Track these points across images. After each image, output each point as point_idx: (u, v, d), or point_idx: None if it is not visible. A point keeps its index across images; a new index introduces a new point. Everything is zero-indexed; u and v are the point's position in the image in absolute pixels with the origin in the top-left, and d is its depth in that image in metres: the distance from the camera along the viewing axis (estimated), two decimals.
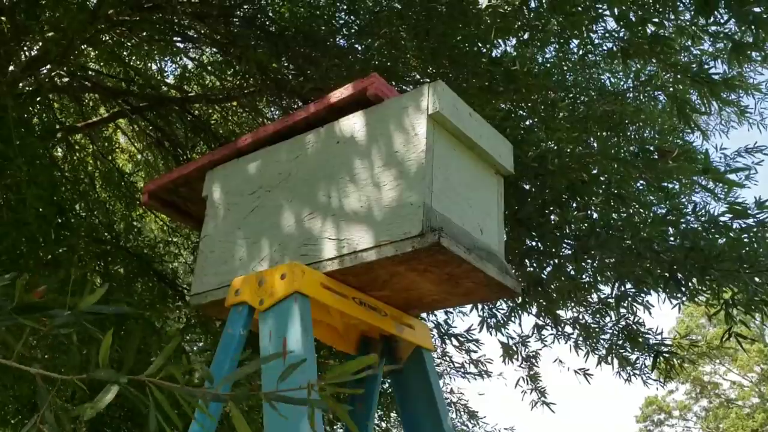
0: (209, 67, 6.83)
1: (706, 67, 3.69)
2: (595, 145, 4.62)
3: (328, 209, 1.74)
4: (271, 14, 5.58)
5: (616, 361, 5.46)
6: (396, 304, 1.85)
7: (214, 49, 6.44)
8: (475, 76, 4.40)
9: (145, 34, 5.24)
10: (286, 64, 5.54)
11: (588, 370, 5.40)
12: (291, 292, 1.60)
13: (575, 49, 5.11)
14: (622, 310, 3.71)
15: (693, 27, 3.74)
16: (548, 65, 4.85)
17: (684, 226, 3.10)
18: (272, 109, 7.36)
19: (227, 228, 1.96)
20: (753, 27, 3.05)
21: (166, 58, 6.78)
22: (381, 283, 1.72)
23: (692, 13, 3.31)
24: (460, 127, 1.72)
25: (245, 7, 5.57)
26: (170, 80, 7.51)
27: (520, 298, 4.56)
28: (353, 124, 1.80)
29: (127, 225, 6.75)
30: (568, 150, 3.83)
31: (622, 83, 5.94)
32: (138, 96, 6.13)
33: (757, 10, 3.05)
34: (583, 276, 4.10)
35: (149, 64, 6.77)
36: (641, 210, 3.41)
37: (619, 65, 5.37)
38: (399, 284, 1.72)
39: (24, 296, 1.14)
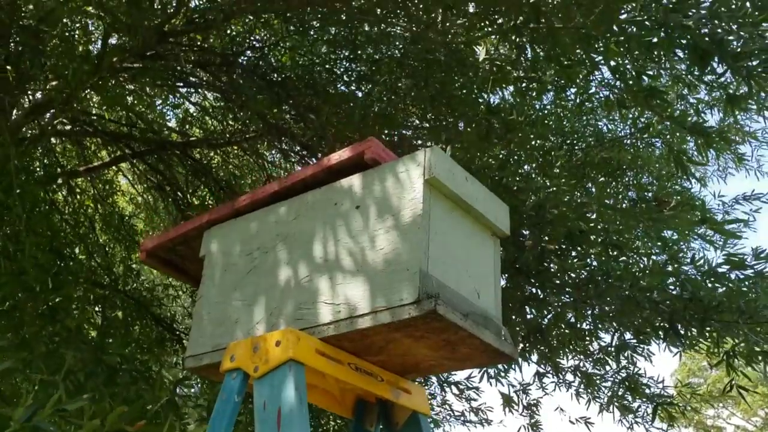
0: (211, 111, 6.89)
1: (701, 117, 3.73)
2: (594, 191, 4.64)
3: (324, 272, 1.74)
4: (272, 62, 5.64)
5: (617, 410, 5.41)
6: (392, 369, 1.84)
7: (216, 95, 6.52)
8: (473, 124, 4.44)
9: (147, 80, 5.29)
10: (287, 110, 5.59)
11: (589, 418, 5.34)
12: (286, 359, 1.59)
13: (572, 97, 5.16)
14: (623, 360, 3.68)
15: (689, 76, 3.78)
16: (545, 113, 4.89)
17: (683, 276, 3.10)
18: (273, 153, 7.40)
19: (224, 289, 1.95)
20: (747, 80, 3.09)
21: (168, 104, 6.85)
22: (377, 348, 1.71)
23: (688, 65, 3.35)
24: (456, 191, 1.72)
25: (247, 55, 5.64)
26: (172, 124, 7.57)
27: (521, 346, 4.53)
28: (350, 186, 1.80)
29: (126, 268, 6.74)
30: (566, 198, 3.84)
31: (619, 130, 6.00)
32: (139, 140, 6.18)
33: (751, 64, 3.10)
34: (583, 324, 4.09)
35: (151, 109, 6.84)
36: (640, 259, 3.41)
37: (615, 113, 5.42)
38: (395, 350, 1.71)
39: (117, 425, 1.22)
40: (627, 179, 5.63)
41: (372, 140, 1.81)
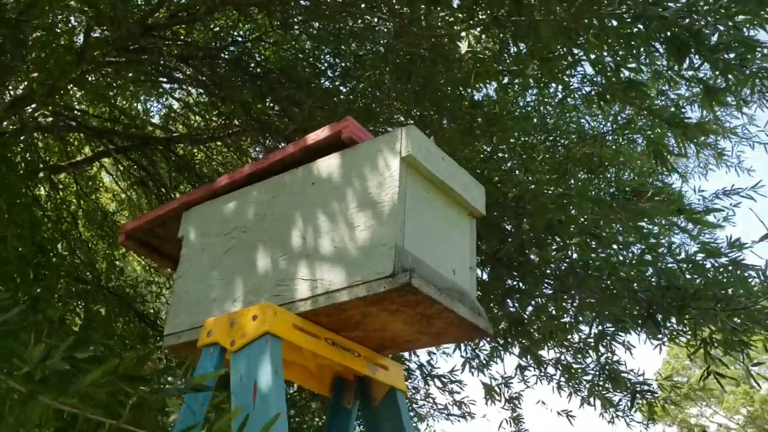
0: (194, 108, 6.88)
1: (681, 111, 3.77)
2: (574, 186, 4.68)
3: (302, 250, 1.76)
4: (256, 57, 5.65)
5: (598, 403, 5.45)
6: (369, 345, 1.86)
7: (200, 90, 6.50)
8: (457, 119, 4.46)
9: (131, 75, 5.28)
10: (270, 105, 5.59)
11: (571, 411, 5.38)
12: (262, 333, 1.61)
13: (554, 93, 5.20)
14: (602, 350, 3.71)
15: (669, 72, 3.83)
16: (528, 108, 4.93)
17: (661, 265, 3.14)
18: (256, 148, 7.40)
19: (202, 269, 1.96)
20: (724, 73, 3.13)
21: (151, 99, 6.83)
22: (354, 323, 1.73)
23: (666, 58, 3.39)
24: (433, 171, 1.74)
25: (231, 49, 5.64)
26: (156, 120, 7.56)
27: (502, 339, 4.56)
28: (328, 165, 1.82)
29: (110, 264, 6.72)
30: (548, 191, 3.88)
31: (601, 126, 6.05)
32: (123, 136, 6.16)
33: (728, 56, 3.14)
34: (564, 316, 4.12)
35: (135, 104, 6.82)
36: (619, 250, 3.45)
37: (597, 109, 5.47)
38: (372, 325, 1.73)
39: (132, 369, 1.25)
40: (609, 175, 5.69)
41: (349, 120, 1.83)
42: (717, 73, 3.24)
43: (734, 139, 5.75)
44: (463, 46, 3.97)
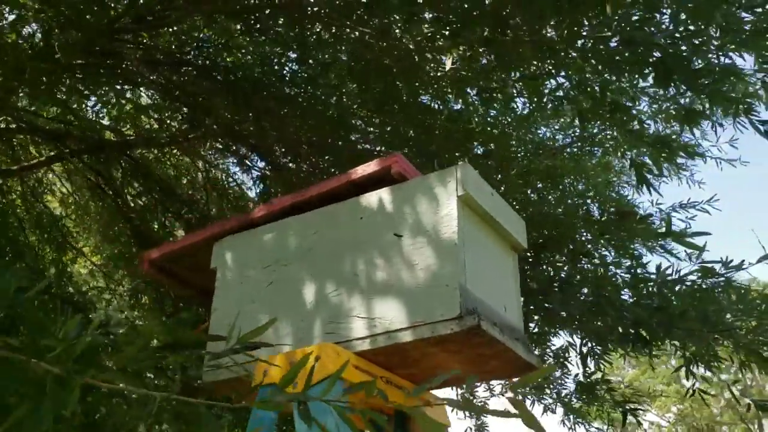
0: (150, 112, 6.69)
1: (658, 129, 3.91)
2: (534, 197, 4.82)
3: (355, 286, 1.75)
4: (221, 64, 5.54)
5: (560, 410, 5.58)
6: (417, 381, 1.86)
7: (151, 91, 6.33)
8: (433, 131, 4.50)
9: (91, 77, 5.10)
10: (241, 112, 5.49)
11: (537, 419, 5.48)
12: (327, 375, 1.59)
13: (520, 107, 5.29)
14: (591, 366, 3.80)
15: (652, 91, 3.97)
16: (499, 121, 5.00)
17: (650, 284, 3.24)
18: (212, 152, 7.26)
19: (241, 302, 1.92)
20: (709, 98, 3.26)
21: (105, 101, 6.60)
22: (410, 362, 1.73)
23: (653, 81, 3.48)
24: (486, 207, 1.76)
25: (196, 54, 5.51)
26: (106, 122, 7.31)
27: None
28: (378, 200, 1.81)
29: (59, 271, 6.49)
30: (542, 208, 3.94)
31: (561, 139, 6.20)
32: (76, 139, 5.94)
33: (706, 82, 3.26)
34: (542, 328, 4.20)
35: (89, 107, 6.57)
36: (607, 268, 3.54)
37: (565, 121, 5.60)
38: (427, 363, 1.74)
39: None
40: (567, 186, 5.83)
41: (398, 155, 1.83)
42: (702, 97, 3.36)
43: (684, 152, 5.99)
44: (447, 63, 4.00)
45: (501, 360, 1.71)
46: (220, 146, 6.88)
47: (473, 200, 1.72)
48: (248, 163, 6.67)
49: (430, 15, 4.13)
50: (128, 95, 6.69)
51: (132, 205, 6.79)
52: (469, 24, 3.80)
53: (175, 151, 7.12)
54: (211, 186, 6.97)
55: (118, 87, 6.07)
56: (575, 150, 5.99)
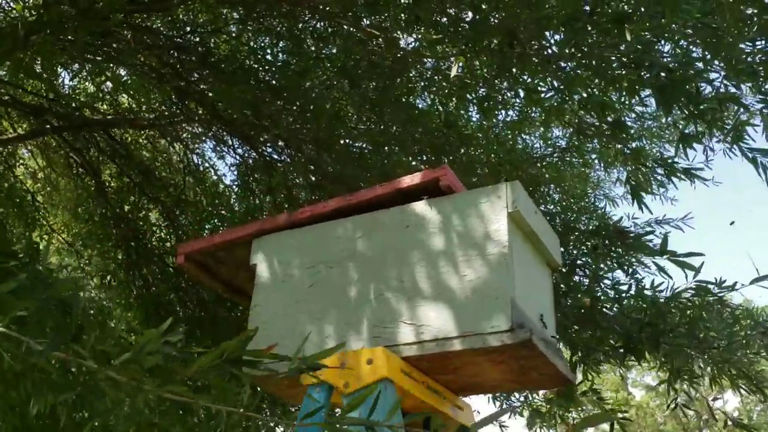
0: (134, 91, 6.60)
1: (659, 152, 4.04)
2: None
3: (401, 292, 1.80)
4: (215, 51, 5.51)
5: (526, 412, 5.72)
6: (453, 387, 1.92)
7: (138, 72, 6.24)
8: (430, 134, 4.56)
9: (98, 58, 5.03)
10: (225, 98, 5.47)
11: (504, 421, 5.63)
12: (380, 378, 1.64)
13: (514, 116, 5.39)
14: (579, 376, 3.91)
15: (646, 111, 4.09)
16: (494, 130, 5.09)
17: (645, 302, 3.36)
18: (192, 138, 7.20)
19: (283, 300, 1.96)
20: (705, 122, 3.38)
21: (89, 77, 6.48)
22: (451, 369, 1.79)
23: (656, 103, 3.59)
24: (531, 224, 1.83)
25: (186, 38, 5.46)
26: (83, 98, 7.18)
27: None
28: (425, 210, 1.87)
29: (28, 246, 6.36)
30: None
31: (540, 149, 6.33)
32: (59, 115, 5.84)
33: (710, 108, 3.39)
34: None
35: (66, 80, 6.44)
36: (601, 282, 3.65)
37: (550, 132, 5.72)
38: (468, 371, 1.80)
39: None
40: (545, 194, 5.97)
41: (446, 168, 1.88)
42: (700, 122, 3.48)
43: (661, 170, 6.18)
44: (454, 69, 4.06)
45: (541, 372, 1.78)
46: (200, 131, 6.83)
47: (522, 217, 1.79)
48: (226, 149, 6.64)
49: (436, 20, 4.19)
50: (109, 73, 6.60)
51: (108, 185, 6.70)
52: (478, 34, 3.86)
53: (153, 133, 7.04)
54: (189, 170, 6.91)
55: (108, 65, 5.98)
56: (556, 160, 6.13)
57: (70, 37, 4.76)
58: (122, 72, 6.42)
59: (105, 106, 6.84)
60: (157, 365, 1.26)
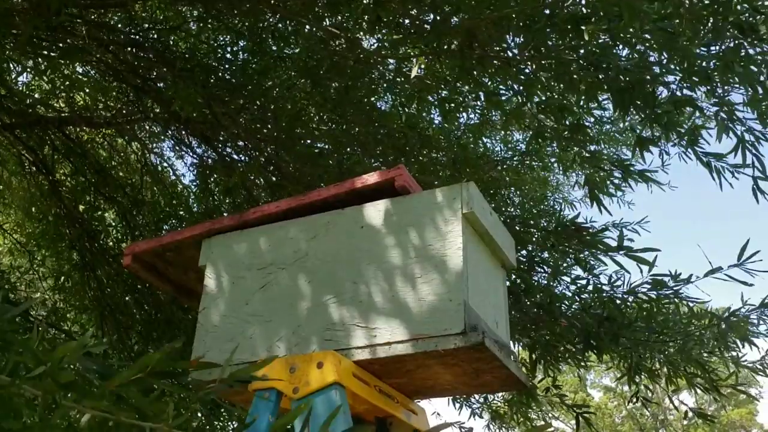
0: (89, 88, 6.45)
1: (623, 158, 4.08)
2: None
3: (354, 295, 1.76)
4: (174, 48, 5.42)
5: (487, 415, 5.73)
6: (405, 391, 1.89)
7: (94, 69, 6.12)
8: (391, 136, 4.53)
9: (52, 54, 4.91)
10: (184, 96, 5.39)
11: (463, 423, 5.63)
12: (330, 382, 1.60)
13: (475, 118, 5.40)
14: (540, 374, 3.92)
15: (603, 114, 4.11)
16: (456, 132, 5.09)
17: (603, 295, 3.39)
18: (150, 137, 7.09)
19: (232, 302, 1.91)
20: (662, 125, 3.41)
21: (41, 75, 6.32)
22: (404, 372, 1.76)
23: (613, 106, 3.61)
24: (486, 225, 1.81)
25: (144, 35, 5.37)
26: (37, 95, 7.02)
27: None
28: (379, 211, 1.83)
29: None
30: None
31: (501, 152, 6.36)
32: (11, 112, 5.69)
33: (658, 111, 3.42)
34: None
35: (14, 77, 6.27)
36: (559, 277, 3.66)
37: (510, 135, 5.74)
38: (420, 374, 1.77)
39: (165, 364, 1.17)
40: (506, 197, 6.00)
41: (401, 168, 1.85)
42: (657, 125, 3.51)
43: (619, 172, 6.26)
44: (414, 70, 4.04)
45: (494, 375, 1.76)
46: (159, 130, 6.72)
47: (476, 218, 1.76)
48: (185, 149, 6.54)
49: (397, 20, 4.16)
50: (66, 70, 6.46)
51: (63, 184, 6.55)
52: (438, 35, 3.85)
53: (110, 132, 6.90)
54: (146, 170, 6.79)
55: (64, 61, 5.84)
56: (516, 164, 6.16)
57: (15, 31, 4.64)
58: (78, 69, 6.28)
59: (60, 104, 6.69)
60: (74, 380, 1.19)
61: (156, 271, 2.16)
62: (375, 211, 1.84)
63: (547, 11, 3.33)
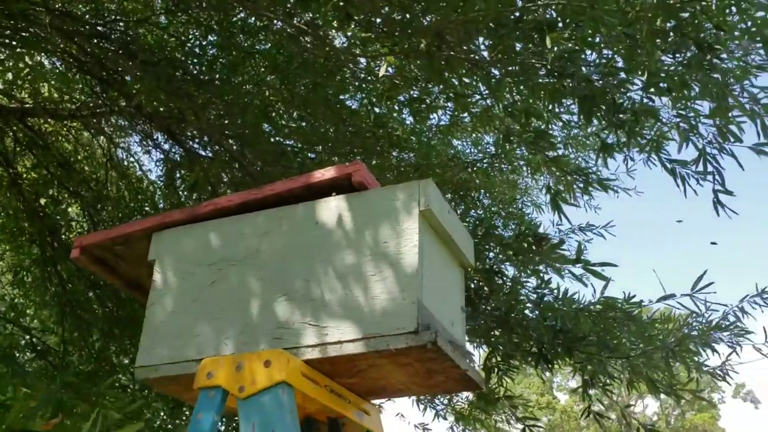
0: (53, 82, 6.33)
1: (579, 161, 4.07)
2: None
3: (305, 293, 1.72)
4: (138, 38, 5.33)
5: (451, 417, 5.72)
6: (357, 390, 1.86)
7: (59, 60, 6.00)
8: (360, 134, 4.50)
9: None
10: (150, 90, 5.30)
11: (427, 424, 5.61)
12: (278, 381, 1.56)
13: (445, 119, 5.38)
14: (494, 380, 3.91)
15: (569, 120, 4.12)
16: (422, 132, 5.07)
17: (558, 308, 3.38)
18: (116, 131, 6.98)
19: (181, 298, 1.85)
20: (625, 133, 3.42)
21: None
22: (355, 372, 1.72)
23: (578, 113, 3.62)
24: (443, 224, 1.78)
25: (110, 26, 5.27)
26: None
27: None
28: (335, 207, 1.80)
29: None
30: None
31: (472, 154, 6.36)
32: None
33: (623, 117, 3.44)
34: None
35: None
36: (517, 286, 3.65)
37: (480, 137, 5.74)
38: (372, 374, 1.73)
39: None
40: (475, 199, 6.00)
41: (359, 163, 1.82)
42: (619, 132, 3.52)
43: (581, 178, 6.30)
44: (382, 69, 4.02)
45: (447, 375, 1.73)
46: (125, 123, 6.61)
47: (433, 216, 1.73)
48: (152, 144, 6.45)
49: (368, 18, 4.13)
50: (29, 61, 6.32)
51: (24, 177, 6.42)
52: (407, 35, 3.82)
53: (75, 124, 6.78)
54: (112, 164, 6.68)
55: (28, 51, 5.72)
56: (485, 166, 6.16)
57: None
58: (44, 60, 6.16)
59: (23, 94, 6.55)
60: None
61: (106, 264, 2.09)
62: (330, 207, 1.80)
63: (514, 16, 3.33)
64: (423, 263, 1.67)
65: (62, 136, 6.59)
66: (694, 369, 3.48)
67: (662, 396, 3.68)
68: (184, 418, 5.77)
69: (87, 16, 5.13)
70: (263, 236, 1.84)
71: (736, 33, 2.93)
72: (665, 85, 3.08)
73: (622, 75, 3.35)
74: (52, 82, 6.27)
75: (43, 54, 5.56)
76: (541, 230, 4.26)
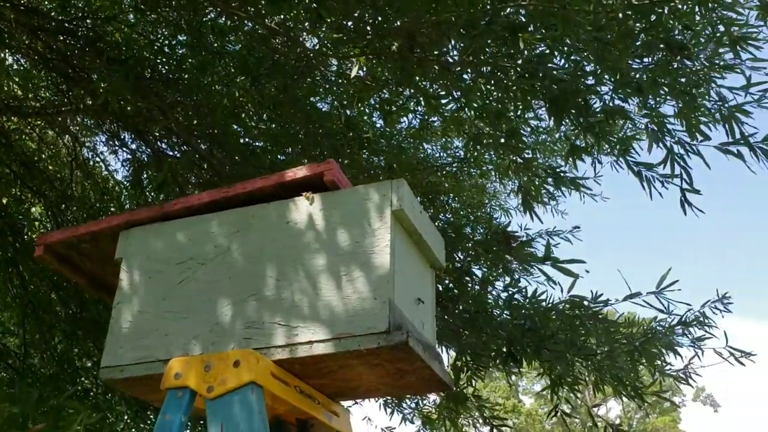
0: (16, 78, 6.20)
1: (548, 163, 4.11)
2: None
3: (275, 293, 1.70)
4: (109, 39, 5.25)
5: (418, 420, 5.72)
6: (327, 392, 1.84)
7: (23, 57, 5.89)
8: (330, 136, 4.48)
9: None
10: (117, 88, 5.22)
11: (394, 428, 5.61)
12: (247, 381, 1.54)
13: (415, 122, 5.38)
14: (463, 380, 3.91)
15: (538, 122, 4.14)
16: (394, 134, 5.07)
17: (527, 308, 3.40)
18: (81, 130, 6.87)
19: (148, 298, 1.82)
20: (594, 134, 3.45)
21: None
22: (325, 372, 1.71)
23: (547, 113, 3.64)
24: (415, 224, 1.78)
25: (77, 23, 5.18)
26: None
27: None
28: (306, 206, 1.78)
29: None
30: None
31: (440, 157, 6.37)
32: None
33: (593, 120, 3.47)
34: None
35: None
36: (487, 286, 3.66)
37: (450, 140, 5.75)
38: (343, 375, 1.72)
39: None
40: (444, 203, 6.01)
41: (331, 162, 1.81)
42: (590, 134, 3.55)
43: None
44: (354, 70, 4.00)
45: (418, 376, 1.72)
46: (91, 122, 6.51)
47: (405, 216, 1.73)
48: (119, 144, 6.36)
49: (339, 21, 4.12)
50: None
51: None
52: (379, 36, 3.82)
53: (40, 122, 6.66)
54: (77, 164, 6.57)
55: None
56: (455, 170, 6.18)
57: None
58: (6, 56, 6.03)
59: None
60: None
61: (71, 263, 2.05)
62: (302, 206, 1.79)
63: (486, 18, 3.34)
64: (395, 263, 1.67)
65: (26, 134, 6.47)
66: (658, 372, 3.53)
67: (624, 399, 3.71)
68: (149, 422, 5.69)
69: (53, 13, 5.04)
70: (233, 235, 1.82)
71: (705, 32, 2.98)
72: (636, 83, 3.11)
73: (591, 80, 3.39)
74: (16, 79, 6.15)
75: (6, 50, 5.43)
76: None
